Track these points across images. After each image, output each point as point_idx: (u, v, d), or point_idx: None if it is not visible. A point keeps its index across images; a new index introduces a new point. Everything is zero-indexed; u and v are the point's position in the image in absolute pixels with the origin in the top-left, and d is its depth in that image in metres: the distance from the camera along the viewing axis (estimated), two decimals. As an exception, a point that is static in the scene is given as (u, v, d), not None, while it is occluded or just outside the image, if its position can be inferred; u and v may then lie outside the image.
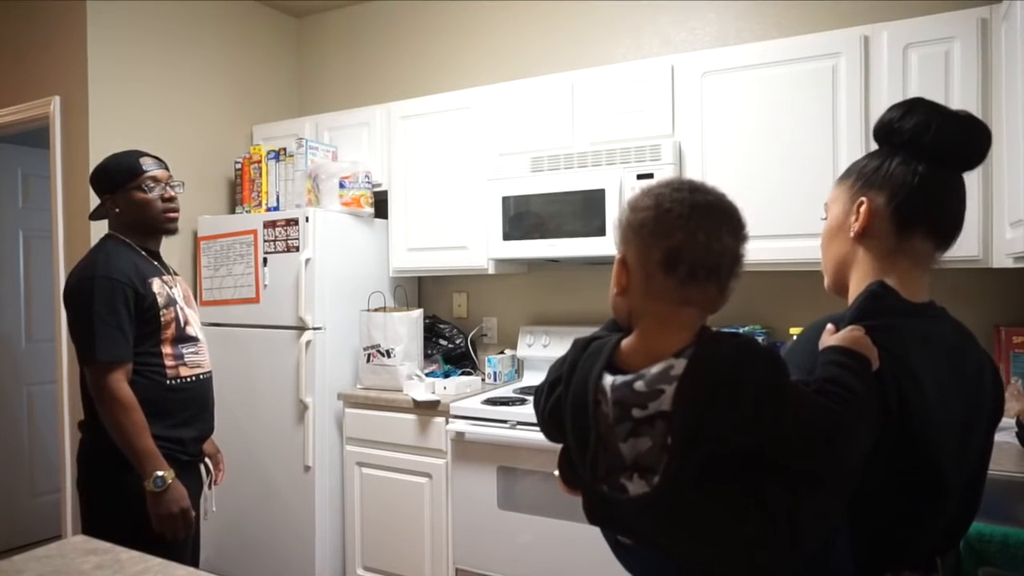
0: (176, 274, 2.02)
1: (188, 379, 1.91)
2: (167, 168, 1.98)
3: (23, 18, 3.17)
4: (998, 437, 1.84)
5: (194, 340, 1.95)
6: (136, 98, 3.10)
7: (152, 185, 1.90)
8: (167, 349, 1.87)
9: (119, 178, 1.89)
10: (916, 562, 0.95)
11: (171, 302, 1.89)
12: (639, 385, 0.84)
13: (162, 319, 1.86)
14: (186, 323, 1.93)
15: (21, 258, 3.86)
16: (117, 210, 1.90)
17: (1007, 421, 1.90)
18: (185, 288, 2.02)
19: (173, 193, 1.95)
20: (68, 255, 3.02)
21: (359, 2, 3.67)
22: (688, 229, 0.85)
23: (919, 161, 0.99)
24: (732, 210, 0.89)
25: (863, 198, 1.02)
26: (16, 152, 3.81)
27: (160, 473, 1.74)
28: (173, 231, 1.98)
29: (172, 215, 1.95)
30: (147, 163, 1.91)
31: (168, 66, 3.23)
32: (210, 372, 2.01)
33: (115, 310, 1.77)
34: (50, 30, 3.06)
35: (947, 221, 1.01)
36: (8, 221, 3.81)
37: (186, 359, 1.91)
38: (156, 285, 1.87)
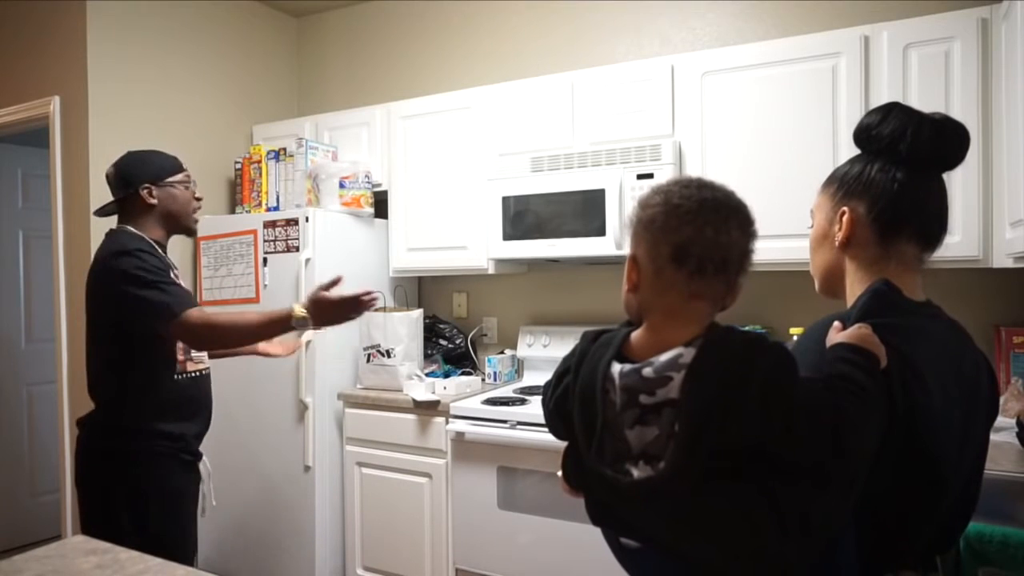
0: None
1: (192, 374, 1.94)
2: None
3: (23, 18, 3.17)
4: (998, 437, 1.85)
5: None
6: (136, 98, 3.10)
7: (187, 183, 1.98)
8: (179, 344, 1.89)
9: (163, 173, 1.94)
10: (916, 561, 0.95)
11: None
12: (647, 372, 0.85)
13: None
14: None
15: (21, 258, 3.86)
16: (153, 201, 1.91)
17: (1007, 421, 1.90)
18: (187, 286, 2.05)
19: (199, 195, 2.04)
20: (68, 255, 3.02)
21: (359, 2, 3.67)
22: (696, 224, 0.86)
23: (897, 167, 1.00)
24: (740, 206, 0.91)
25: (844, 208, 1.03)
26: (16, 152, 3.81)
27: (298, 316, 1.75)
28: (195, 231, 2.07)
29: (197, 216, 2.04)
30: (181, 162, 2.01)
31: (168, 66, 3.23)
32: (209, 369, 2.04)
33: (162, 270, 1.80)
34: (50, 30, 3.06)
35: (930, 224, 1.02)
36: (8, 221, 3.81)
37: (192, 354, 1.94)
38: (171, 276, 1.90)
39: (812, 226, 1.12)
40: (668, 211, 0.88)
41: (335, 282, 1.83)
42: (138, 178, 1.92)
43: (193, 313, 1.76)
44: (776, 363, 0.82)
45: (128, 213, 1.93)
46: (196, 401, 1.95)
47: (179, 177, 1.95)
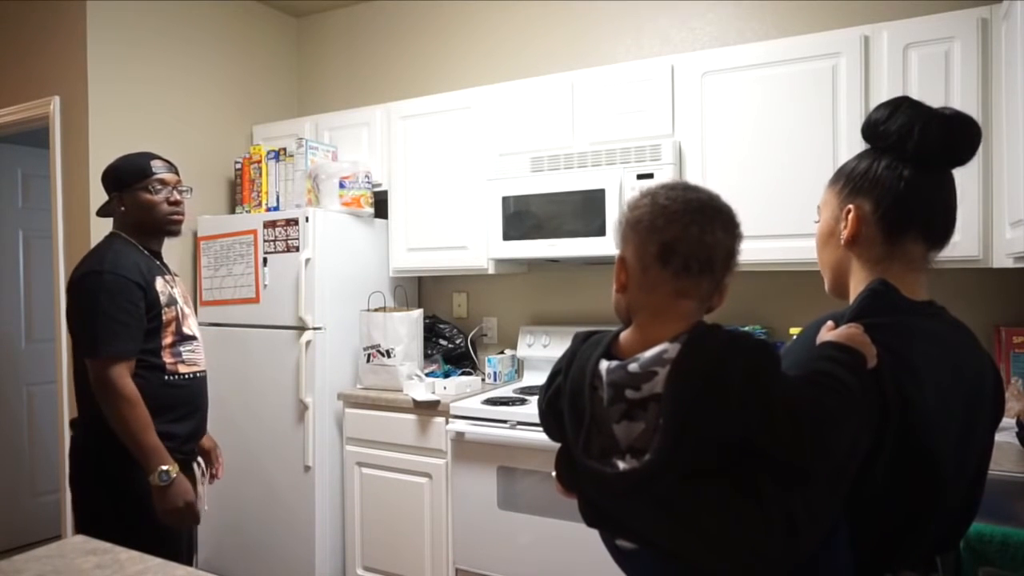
0: (176, 275, 2.06)
1: (186, 376, 1.94)
2: (177, 172, 2.01)
3: (23, 18, 3.17)
4: (998, 437, 1.84)
5: (192, 339, 1.98)
6: (136, 98, 3.10)
7: (159, 187, 1.93)
8: (167, 346, 1.90)
9: (127, 178, 1.93)
10: (916, 562, 0.95)
11: (172, 301, 1.93)
12: (633, 367, 0.86)
13: (164, 317, 1.89)
14: (185, 322, 1.97)
15: (21, 258, 3.86)
16: (123, 208, 1.94)
17: (1007, 421, 1.90)
18: (184, 288, 2.06)
19: (179, 197, 1.98)
20: (68, 255, 3.02)
21: (359, 2, 3.67)
22: (682, 223, 0.89)
23: (905, 165, 0.98)
24: (726, 208, 0.93)
25: (851, 205, 1.02)
26: (16, 152, 3.81)
27: (165, 467, 1.75)
28: (175, 233, 2.01)
29: (176, 218, 1.98)
30: (157, 165, 1.96)
31: (168, 66, 3.23)
32: (205, 372, 2.04)
33: (121, 306, 1.79)
34: (50, 30, 3.06)
35: (937, 223, 1.01)
36: (8, 221, 3.81)
37: (184, 357, 1.94)
38: (159, 284, 1.91)
39: (818, 221, 1.10)
40: (655, 211, 0.90)
41: (195, 517, 1.83)
42: (109, 186, 1.96)
43: (115, 369, 1.75)
44: (758, 358, 0.83)
45: (116, 218, 1.98)
46: (188, 403, 1.95)
47: (143, 183, 1.91)
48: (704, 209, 0.90)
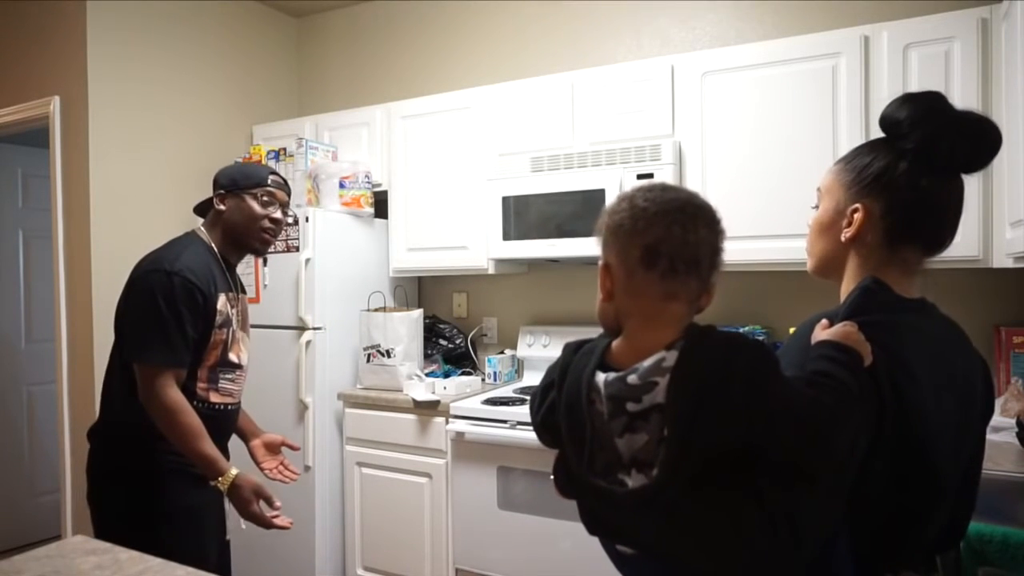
0: (243, 292, 1.94)
1: (215, 406, 1.80)
2: (289, 195, 1.94)
3: (23, 18, 3.17)
4: (998, 437, 1.85)
5: (234, 367, 1.84)
6: (136, 98, 3.10)
7: (267, 200, 1.84)
8: (204, 372, 1.77)
9: (241, 180, 1.83)
10: (916, 562, 0.95)
11: (227, 323, 1.79)
12: (632, 379, 0.85)
13: (212, 338, 1.76)
14: (232, 347, 1.83)
15: (21, 258, 3.86)
16: (221, 208, 1.83)
17: (1007, 421, 1.90)
18: (246, 308, 1.93)
19: (281, 217, 1.88)
20: (68, 255, 3.02)
21: (359, 2, 3.67)
22: (664, 223, 0.87)
23: (924, 175, 0.95)
24: (705, 205, 0.91)
25: (859, 205, 0.99)
26: (16, 152, 3.81)
27: (212, 483, 1.67)
28: (260, 253, 1.92)
29: (268, 236, 1.87)
30: (273, 180, 1.88)
31: (168, 66, 3.23)
32: (239, 403, 1.91)
33: (181, 313, 1.67)
34: (50, 30, 3.06)
35: (942, 233, 0.99)
36: (8, 221, 3.82)
37: (220, 385, 1.81)
38: (220, 301, 1.77)
39: (817, 206, 1.07)
40: (635, 214, 0.89)
41: (270, 501, 1.79)
42: (218, 182, 1.85)
43: (163, 379, 1.64)
44: (757, 361, 0.82)
45: (208, 219, 1.88)
46: (211, 433, 1.75)
47: (256, 190, 1.82)
48: (684, 208, 0.89)
